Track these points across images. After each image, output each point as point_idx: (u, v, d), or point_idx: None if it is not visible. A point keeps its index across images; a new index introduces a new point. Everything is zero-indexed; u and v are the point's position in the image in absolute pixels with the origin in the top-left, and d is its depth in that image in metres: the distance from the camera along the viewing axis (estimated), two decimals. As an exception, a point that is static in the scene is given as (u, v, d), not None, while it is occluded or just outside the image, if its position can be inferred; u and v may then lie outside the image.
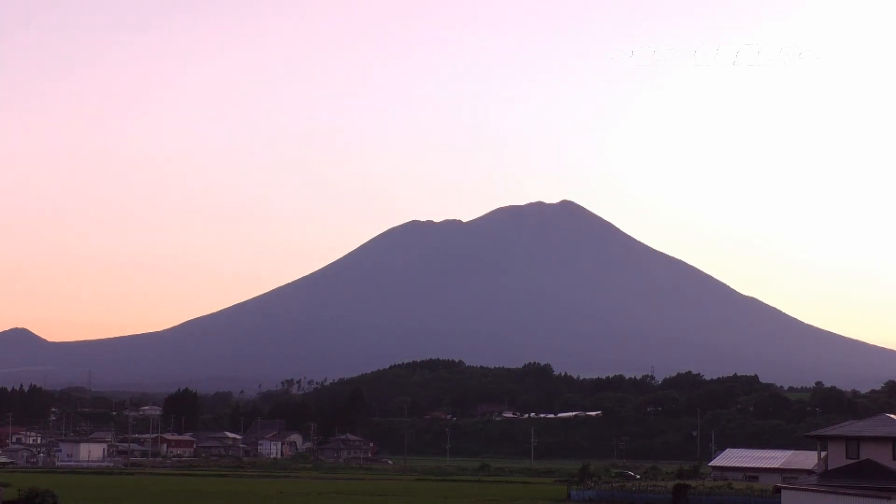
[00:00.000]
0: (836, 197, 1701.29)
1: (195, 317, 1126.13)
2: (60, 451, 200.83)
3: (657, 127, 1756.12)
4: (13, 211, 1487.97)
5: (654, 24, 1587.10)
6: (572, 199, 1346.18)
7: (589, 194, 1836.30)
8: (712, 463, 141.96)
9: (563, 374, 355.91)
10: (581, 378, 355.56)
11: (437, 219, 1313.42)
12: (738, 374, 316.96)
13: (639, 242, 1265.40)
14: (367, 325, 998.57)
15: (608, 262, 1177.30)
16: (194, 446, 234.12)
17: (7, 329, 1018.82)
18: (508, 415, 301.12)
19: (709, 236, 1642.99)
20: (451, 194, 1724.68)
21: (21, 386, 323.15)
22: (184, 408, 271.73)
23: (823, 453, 67.92)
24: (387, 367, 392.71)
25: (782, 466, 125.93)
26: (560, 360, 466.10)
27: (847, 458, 64.86)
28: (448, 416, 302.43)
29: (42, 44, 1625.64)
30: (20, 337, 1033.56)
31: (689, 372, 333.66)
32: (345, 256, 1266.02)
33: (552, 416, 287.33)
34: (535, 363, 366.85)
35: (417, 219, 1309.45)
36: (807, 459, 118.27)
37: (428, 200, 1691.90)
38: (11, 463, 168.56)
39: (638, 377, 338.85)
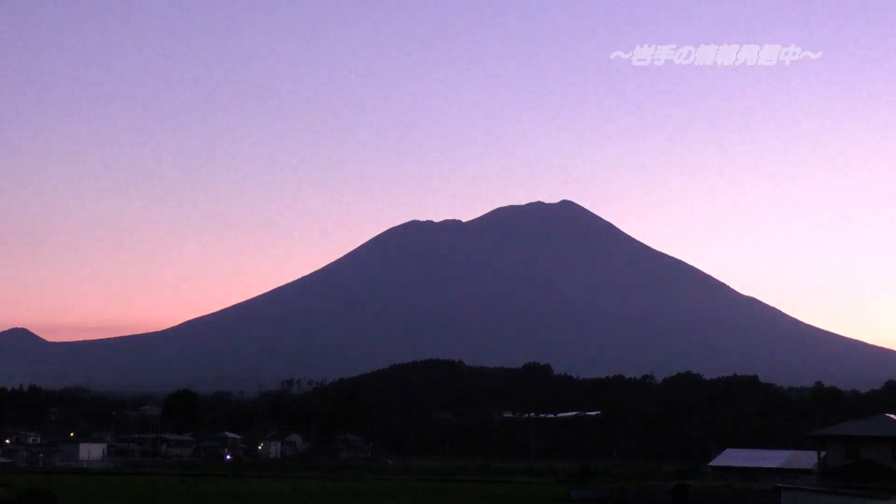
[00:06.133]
0: (837, 196, 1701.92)
1: (195, 317, 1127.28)
2: (60, 451, 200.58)
3: (657, 127, 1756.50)
4: (13, 211, 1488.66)
5: (654, 23, 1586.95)
6: (572, 199, 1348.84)
7: (589, 194, 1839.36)
8: (712, 463, 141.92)
9: (563, 374, 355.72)
10: (581, 378, 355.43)
11: (437, 219, 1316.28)
12: (738, 374, 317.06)
13: (639, 242, 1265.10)
14: (366, 325, 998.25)
15: (608, 262, 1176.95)
16: (194, 446, 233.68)
17: (7, 329, 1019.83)
18: (508, 415, 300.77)
19: (709, 236, 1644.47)
20: (451, 194, 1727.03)
21: (21, 386, 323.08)
22: (184, 408, 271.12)
23: (823, 453, 67.87)
24: (387, 367, 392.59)
25: (782, 466, 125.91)
26: (560, 360, 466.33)
27: (847, 458, 64.85)
28: (448, 416, 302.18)
29: (43, 43, 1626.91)
30: (20, 337, 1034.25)
31: (689, 372, 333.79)
32: (345, 256, 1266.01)
33: (552, 416, 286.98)
34: (535, 363, 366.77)
35: (417, 219, 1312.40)
36: (807, 459, 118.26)
37: (428, 200, 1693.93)
38: (11, 463, 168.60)
39: (638, 377, 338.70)
